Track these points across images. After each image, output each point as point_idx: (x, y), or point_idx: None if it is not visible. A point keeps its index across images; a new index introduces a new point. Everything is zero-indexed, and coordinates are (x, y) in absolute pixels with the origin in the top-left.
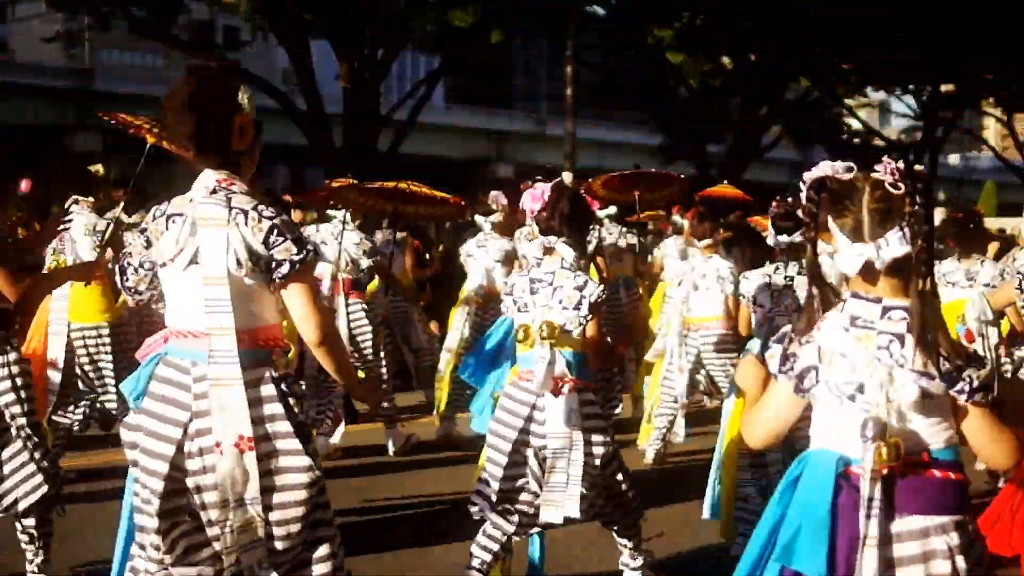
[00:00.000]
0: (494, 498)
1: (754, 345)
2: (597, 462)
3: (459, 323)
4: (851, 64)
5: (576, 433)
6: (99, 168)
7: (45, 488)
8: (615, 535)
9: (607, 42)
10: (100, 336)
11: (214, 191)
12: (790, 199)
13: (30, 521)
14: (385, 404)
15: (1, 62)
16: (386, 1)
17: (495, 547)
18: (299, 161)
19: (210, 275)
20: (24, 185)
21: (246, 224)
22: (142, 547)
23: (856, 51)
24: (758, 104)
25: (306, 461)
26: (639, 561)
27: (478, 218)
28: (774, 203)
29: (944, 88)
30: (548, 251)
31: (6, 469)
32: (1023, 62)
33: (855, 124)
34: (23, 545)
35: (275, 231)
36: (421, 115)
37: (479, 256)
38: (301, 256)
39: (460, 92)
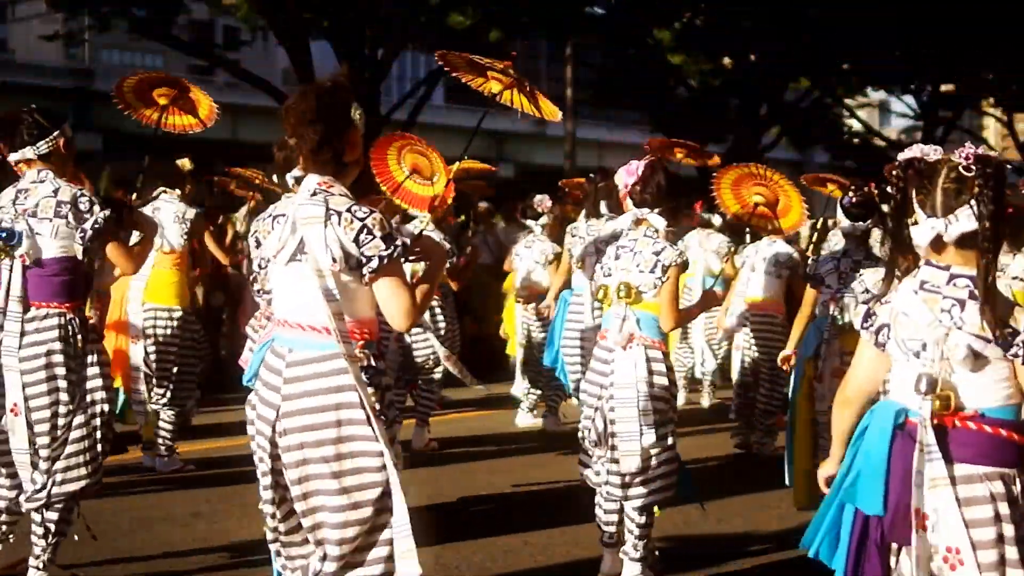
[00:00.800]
0: (589, 453)
1: (822, 323)
2: (654, 418)
3: (520, 318)
4: (851, 64)
5: (641, 385)
6: (186, 162)
7: (86, 481)
8: (627, 518)
9: (607, 42)
10: (171, 319)
11: (314, 193)
12: (864, 189)
13: (52, 515)
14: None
15: (1, 62)
16: (386, 1)
17: (611, 515)
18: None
19: (309, 270)
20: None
21: (339, 224)
22: (269, 530)
23: (856, 51)
24: (758, 104)
25: (378, 447)
26: (639, 554)
27: (528, 221)
28: (849, 192)
29: (944, 88)
30: (639, 222)
31: (59, 463)
32: (1023, 62)
33: (855, 124)
34: (33, 539)
35: (365, 230)
36: (421, 115)
37: (525, 256)
38: (389, 252)
39: (460, 92)
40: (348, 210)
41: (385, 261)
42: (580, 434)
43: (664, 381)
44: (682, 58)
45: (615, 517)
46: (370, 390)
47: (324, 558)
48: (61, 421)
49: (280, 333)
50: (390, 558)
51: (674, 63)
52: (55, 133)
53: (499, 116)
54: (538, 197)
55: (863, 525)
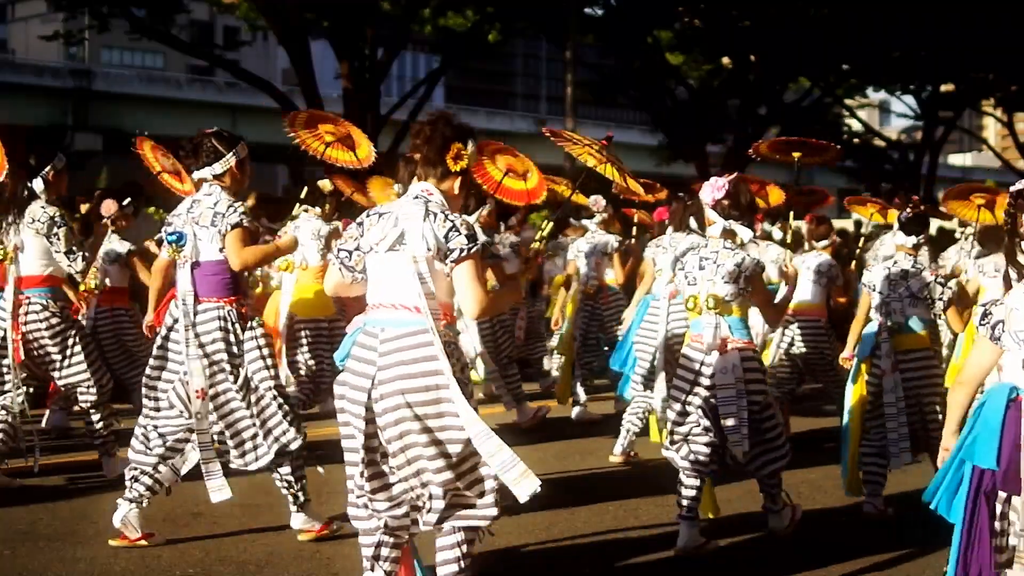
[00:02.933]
0: (677, 439)
1: (872, 325)
2: (756, 408)
3: (576, 315)
4: (851, 64)
5: (740, 384)
6: (327, 183)
7: (299, 440)
8: (760, 485)
9: (607, 42)
10: (319, 330)
11: (416, 197)
12: (921, 207)
13: (286, 469)
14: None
15: (1, 62)
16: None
17: (693, 490)
18: (299, 161)
19: (405, 257)
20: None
21: (435, 222)
22: (353, 483)
23: (856, 51)
24: (758, 104)
25: (461, 408)
26: (778, 505)
27: (584, 221)
28: (908, 209)
29: (944, 88)
30: (728, 234)
31: (261, 429)
32: (1023, 62)
33: (855, 124)
34: (283, 491)
35: (453, 228)
36: (421, 115)
37: (586, 251)
38: (470, 245)
39: (460, 92)
40: (442, 211)
41: (464, 252)
42: (671, 427)
43: (759, 375)
44: (682, 58)
45: (696, 493)
46: (453, 360)
47: (431, 497)
48: (224, 399)
49: (373, 316)
50: (493, 501)
51: (674, 63)
52: (228, 156)
53: (499, 116)
54: (593, 197)
55: (979, 478)
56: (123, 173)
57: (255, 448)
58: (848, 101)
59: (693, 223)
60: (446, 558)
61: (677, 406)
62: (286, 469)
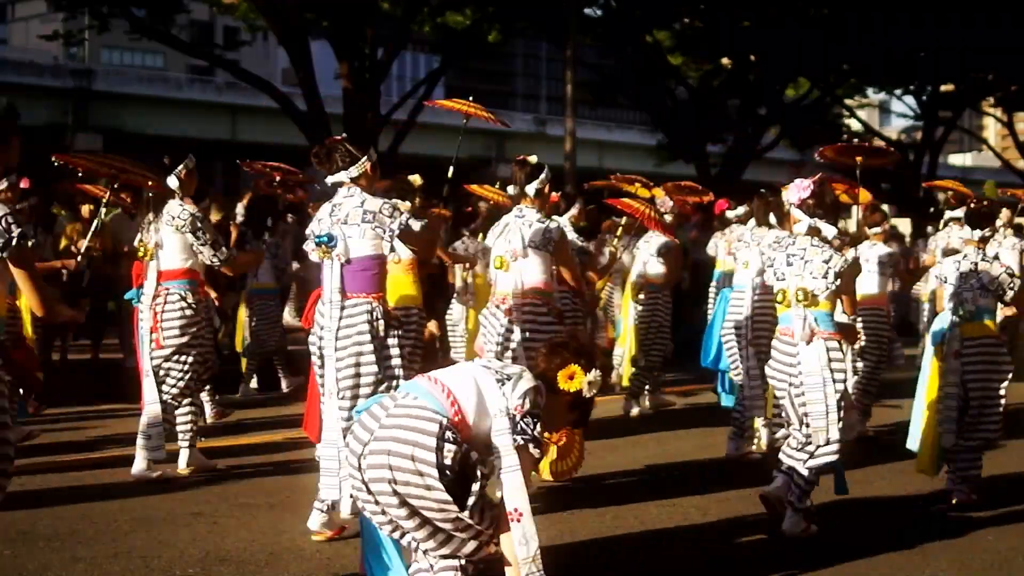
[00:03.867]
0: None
1: (944, 317)
2: (838, 395)
3: (630, 311)
4: (851, 64)
5: (826, 372)
6: (416, 178)
7: None
8: (800, 476)
9: (606, 43)
10: (409, 319)
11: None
12: (983, 203)
13: None
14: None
15: (1, 62)
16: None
17: (803, 454)
18: (299, 161)
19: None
20: (23, 184)
21: (529, 227)
22: None
23: (856, 51)
24: (758, 104)
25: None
26: (804, 504)
27: None
28: (972, 204)
29: (944, 88)
30: (814, 231)
31: None
32: (1023, 62)
33: (855, 124)
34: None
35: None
36: (421, 115)
37: (643, 249)
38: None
39: (460, 92)
40: (539, 220)
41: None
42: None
43: (843, 366)
44: (681, 58)
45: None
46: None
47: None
48: (365, 391)
49: (406, 385)
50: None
51: (674, 63)
52: (363, 159)
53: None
54: (659, 199)
55: None
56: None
57: None
58: (848, 101)
59: (773, 219)
60: None
61: (779, 393)
62: None
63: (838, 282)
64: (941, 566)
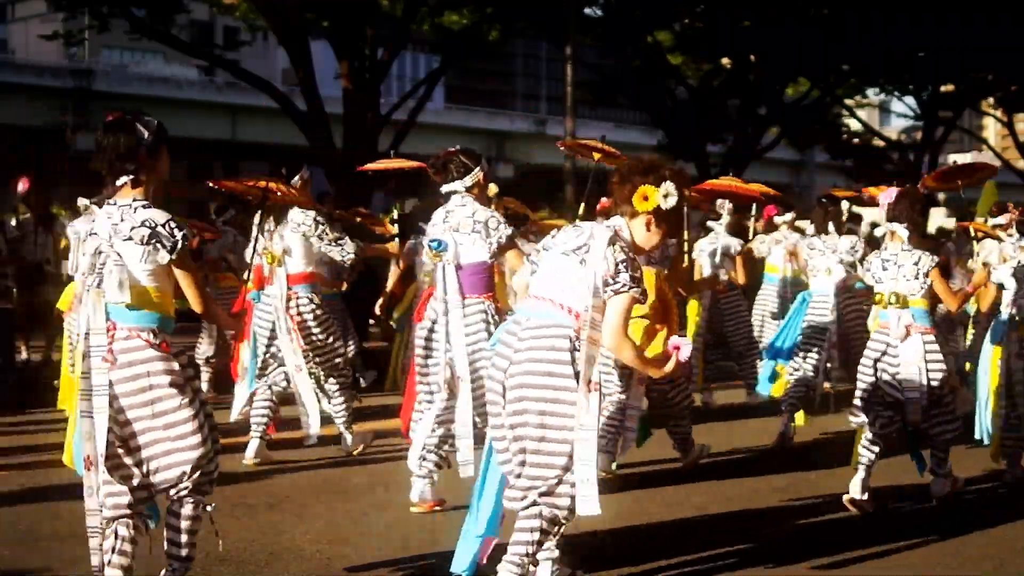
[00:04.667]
0: (865, 407)
1: (1003, 315)
2: (937, 384)
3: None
4: (851, 64)
5: (921, 363)
6: (493, 187)
7: None
8: (933, 450)
9: (606, 43)
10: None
11: (608, 227)
12: None
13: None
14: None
15: (1, 62)
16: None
17: (875, 448)
18: (299, 161)
19: (588, 271)
20: (22, 185)
21: (614, 252)
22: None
23: (856, 51)
24: (758, 104)
25: (572, 399)
26: (946, 469)
27: (710, 223)
28: (1017, 211)
29: (944, 88)
30: (891, 234)
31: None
32: (1023, 62)
33: (855, 124)
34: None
35: (627, 263)
36: (421, 115)
37: (707, 251)
38: (632, 285)
39: (460, 92)
40: (623, 247)
41: (624, 288)
42: (858, 396)
43: (939, 356)
44: (681, 58)
45: (876, 449)
46: (575, 354)
47: (520, 476)
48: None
49: (525, 305)
50: (572, 499)
51: (673, 63)
52: (476, 170)
53: (499, 116)
54: (720, 200)
55: None
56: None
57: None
58: (848, 101)
59: (831, 226)
60: (517, 539)
61: (865, 383)
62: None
63: (928, 281)
64: (942, 566)
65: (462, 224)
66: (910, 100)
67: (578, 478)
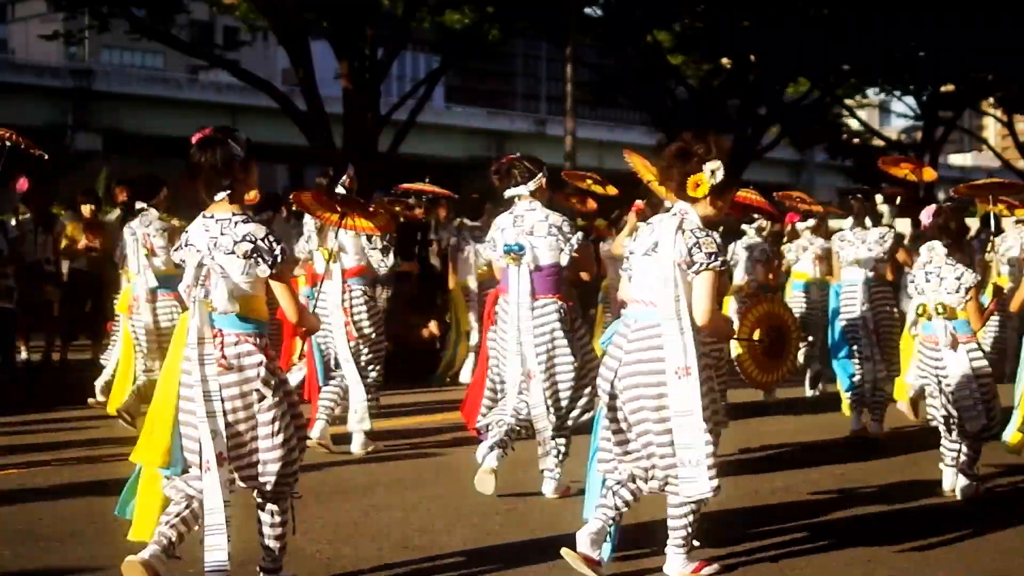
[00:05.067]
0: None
1: None
2: (985, 390)
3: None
4: (851, 64)
5: (968, 371)
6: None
7: (586, 407)
8: (964, 455)
9: (606, 43)
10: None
11: (674, 214)
12: None
13: (563, 440)
14: None
15: (1, 62)
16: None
17: (955, 446)
18: (299, 161)
19: (662, 263)
20: (21, 184)
21: (683, 236)
22: (603, 441)
23: (856, 51)
24: (758, 104)
25: (694, 397)
26: (971, 472)
27: (744, 226)
28: None
29: (944, 88)
30: (931, 250)
31: (576, 402)
32: (1023, 62)
33: (855, 124)
34: (553, 458)
35: (698, 243)
36: (421, 115)
37: (741, 255)
38: (711, 260)
39: (460, 92)
40: (691, 229)
41: (703, 266)
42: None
43: (983, 363)
44: (681, 58)
45: (957, 447)
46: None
47: (652, 467)
48: (564, 376)
49: (631, 309)
50: (699, 477)
51: (673, 63)
52: (539, 175)
53: (499, 116)
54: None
55: None
56: (123, 172)
57: (562, 417)
58: (848, 101)
59: (868, 221)
60: (674, 525)
61: (934, 400)
62: (563, 440)
63: (969, 296)
64: (941, 566)
65: (536, 228)
66: (910, 100)
67: (679, 460)
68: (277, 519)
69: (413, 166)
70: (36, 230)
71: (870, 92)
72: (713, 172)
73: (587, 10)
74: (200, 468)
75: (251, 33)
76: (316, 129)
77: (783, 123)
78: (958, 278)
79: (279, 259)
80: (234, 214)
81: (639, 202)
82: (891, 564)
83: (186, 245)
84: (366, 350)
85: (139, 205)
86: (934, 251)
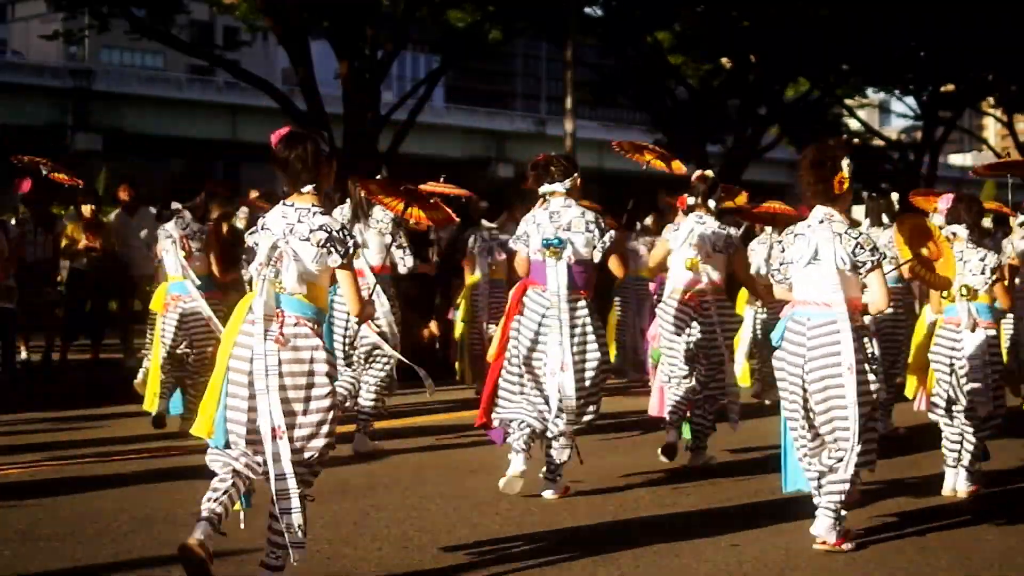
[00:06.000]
0: (945, 405)
1: None
2: (996, 377)
3: (748, 311)
4: (851, 64)
5: (985, 356)
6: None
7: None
8: (968, 442)
9: (606, 43)
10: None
11: (822, 221)
12: None
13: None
14: None
15: (1, 62)
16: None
17: (957, 446)
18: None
19: (825, 268)
20: (24, 185)
21: (842, 242)
22: (797, 437)
23: (856, 51)
24: (758, 104)
25: (866, 379)
26: (974, 468)
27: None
28: None
29: (944, 88)
30: (953, 235)
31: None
32: (1023, 62)
33: (855, 124)
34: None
35: (859, 244)
36: (421, 115)
37: (758, 251)
38: (876, 257)
39: (460, 92)
40: (845, 232)
41: (868, 265)
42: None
43: (999, 352)
44: (681, 58)
45: (958, 447)
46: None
47: (839, 449)
48: (591, 366)
49: (800, 309)
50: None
51: (673, 63)
52: (575, 174)
53: (499, 116)
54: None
55: None
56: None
57: (586, 413)
58: (848, 101)
59: (885, 218)
60: (831, 490)
61: (942, 381)
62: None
63: (994, 277)
64: (941, 565)
65: (573, 224)
66: (910, 100)
67: (851, 440)
68: (296, 504)
69: (414, 166)
70: (36, 230)
71: (870, 92)
72: (848, 165)
73: (587, 10)
74: (268, 438)
75: (251, 33)
76: (316, 129)
77: (783, 123)
78: (982, 259)
79: (350, 250)
80: (313, 205)
81: (684, 196)
82: (891, 564)
83: (262, 229)
84: (377, 351)
85: (175, 206)
86: (957, 235)
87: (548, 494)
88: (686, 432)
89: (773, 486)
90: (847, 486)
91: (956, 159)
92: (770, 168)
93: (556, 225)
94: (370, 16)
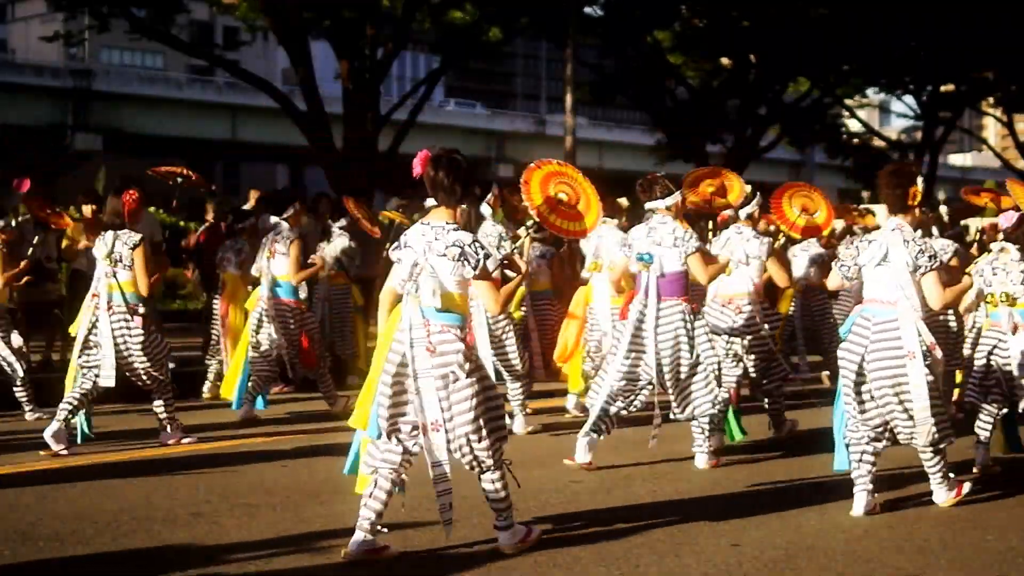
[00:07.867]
0: (981, 390)
1: None
2: None
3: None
4: (851, 64)
5: None
6: (624, 201)
7: (709, 404)
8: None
9: (606, 42)
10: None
11: (894, 229)
12: None
13: (705, 419)
14: None
15: (1, 62)
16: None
17: (990, 424)
18: (299, 161)
19: (893, 270)
20: (24, 185)
21: (909, 247)
22: (849, 413)
23: (856, 51)
24: (758, 104)
25: (923, 373)
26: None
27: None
28: None
29: (944, 88)
30: (1003, 249)
31: (702, 391)
32: (1023, 62)
33: (855, 124)
34: (696, 435)
35: (921, 250)
36: (421, 115)
37: (800, 256)
38: (932, 263)
39: (460, 92)
40: (912, 238)
41: (925, 269)
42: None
43: None
44: (682, 58)
45: (990, 429)
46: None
47: (887, 426)
48: (684, 370)
49: (868, 307)
50: (928, 428)
51: (673, 63)
52: (676, 193)
53: (499, 116)
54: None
55: None
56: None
57: (690, 404)
58: (848, 101)
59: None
60: (930, 467)
61: (979, 370)
62: (705, 420)
63: None
64: (941, 566)
65: (664, 239)
66: (910, 100)
67: (916, 420)
68: (492, 487)
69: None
70: (36, 230)
71: (870, 92)
72: (923, 183)
73: (587, 10)
74: (421, 432)
75: (251, 33)
76: (316, 129)
77: (783, 123)
78: (1023, 271)
79: (481, 263)
80: (447, 223)
81: (725, 212)
82: (891, 564)
83: (404, 247)
84: None
85: (273, 219)
86: (1004, 250)
87: (700, 464)
88: (734, 432)
89: (773, 486)
90: (939, 458)
91: (956, 159)
92: (770, 168)
93: (651, 240)
94: (370, 16)
